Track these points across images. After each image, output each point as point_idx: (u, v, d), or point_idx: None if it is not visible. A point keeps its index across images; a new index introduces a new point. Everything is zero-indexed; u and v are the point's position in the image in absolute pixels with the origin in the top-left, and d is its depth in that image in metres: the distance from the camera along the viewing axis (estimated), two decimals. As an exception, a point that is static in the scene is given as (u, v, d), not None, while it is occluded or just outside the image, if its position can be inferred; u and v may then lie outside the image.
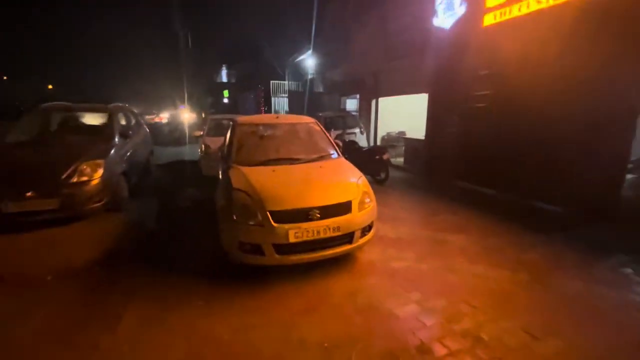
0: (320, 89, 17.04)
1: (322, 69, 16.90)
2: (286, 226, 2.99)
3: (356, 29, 11.92)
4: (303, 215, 3.03)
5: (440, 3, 6.59)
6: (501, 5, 5.34)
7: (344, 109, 14.20)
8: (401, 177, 8.19)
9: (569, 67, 4.67)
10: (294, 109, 17.75)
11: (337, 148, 4.50)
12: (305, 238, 3.01)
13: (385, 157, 7.37)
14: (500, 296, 2.96)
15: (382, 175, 7.44)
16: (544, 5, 4.78)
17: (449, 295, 2.95)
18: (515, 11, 5.17)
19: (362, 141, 9.90)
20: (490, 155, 6.08)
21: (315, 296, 2.97)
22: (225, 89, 34.06)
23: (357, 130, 10.32)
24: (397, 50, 8.66)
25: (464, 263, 3.56)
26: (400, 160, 9.63)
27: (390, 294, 3.00)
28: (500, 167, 5.90)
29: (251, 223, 3.02)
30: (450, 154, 7.09)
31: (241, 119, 4.64)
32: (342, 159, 4.23)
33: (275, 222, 2.99)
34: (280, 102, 21.77)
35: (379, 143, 11.22)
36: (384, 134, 11.60)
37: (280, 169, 3.66)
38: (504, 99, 5.72)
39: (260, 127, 4.35)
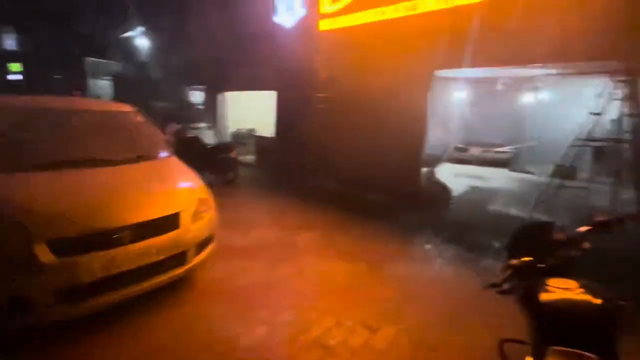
0: (160, 76, 14.55)
1: (159, 52, 14.43)
2: (77, 259, 2.05)
3: (198, 6, 10.63)
4: (105, 239, 2.16)
5: (280, 1, 6.57)
6: (333, 14, 5.76)
7: (188, 101, 12.63)
8: (252, 175, 7.87)
9: (385, 77, 5.49)
10: (121, 96, 14.45)
11: (168, 145, 3.65)
12: (111, 272, 2.16)
13: (233, 155, 6.84)
14: (344, 292, 3.03)
15: (231, 175, 6.88)
16: (368, 20, 5.42)
17: (298, 304, 2.79)
18: (343, 22, 5.68)
19: (209, 138, 8.96)
20: (332, 153, 6.56)
21: (138, 347, 2.19)
22: (13, 60, 24.35)
23: (202, 124, 9.27)
24: (243, 42, 8.21)
25: (311, 264, 3.54)
26: (251, 158, 9.30)
27: (236, 317, 2.57)
28: (341, 164, 6.46)
29: (11, 263, 1.92)
30: (298, 152, 7.28)
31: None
32: (174, 159, 3.43)
33: (57, 254, 2.00)
34: (103, 87, 17.42)
35: (227, 139, 10.52)
36: (234, 130, 10.97)
37: (69, 175, 2.55)
38: (340, 102, 6.26)
39: (34, 113, 2.96)
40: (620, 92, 6.11)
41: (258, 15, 7.45)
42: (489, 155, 12.46)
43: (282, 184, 7.13)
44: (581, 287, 1.18)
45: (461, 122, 12.68)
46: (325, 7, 5.79)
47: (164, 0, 12.80)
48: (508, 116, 12.66)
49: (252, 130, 10.88)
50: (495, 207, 6.34)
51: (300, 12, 6.29)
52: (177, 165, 3.29)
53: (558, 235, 1.43)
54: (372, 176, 6.02)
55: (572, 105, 10.76)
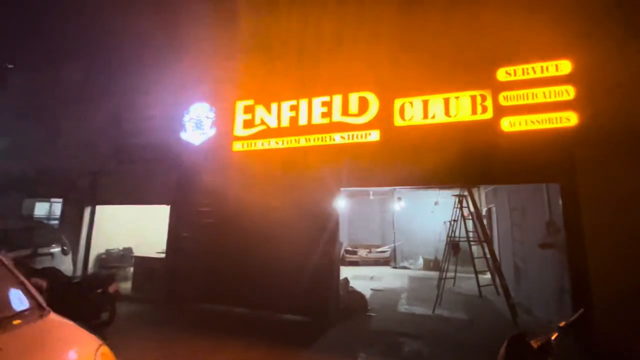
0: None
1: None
2: None
3: (67, 110, 9.31)
4: None
5: (188, 121, 6.63)
6: (246, 137, 6.13)
7: (31, 217, 9.74)
8: (132, 311, 6.10)
9: (293, 194, 5.77)
10: None
11: (36, 294, 2.54)
12: None
13: (112, 289, 5.29)
14: None
15: (105, 317, 5.16)
16: (277, 146, 5.95)
17: None
18: (255, 145, 6.08)
19: (65, 264, 6.80)
20: (237, 273, 5.91)
21: None
22: None
23: (56, 249, 7.08)
24: (132, 153, 7.44)
25: None
26: (127, 286, 7.38)
27: None
28: (249, 284, 5.84)
29: None
30: (192, 274, 6.25)
31: None
32: (52, 317, 2.35)
33: None
34: None
35: (91, 264, 8.22)
36: (102, 251, 8.78)
37: None
38: (247, 219, 6.02)
39: None
40: (459, 204, 8.38)
41: (155, 131, 7.15)
42: (373, 255, 13.97)
43: (175, 314, 5.76)
44: None
45: (345, 228, 14.11)
46: (238, 130, 6.15)
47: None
48: (380, 221, 15.07)
49: (128, 249, 8.98)
50: (404, 308, 6.80)
51: (210, 132, 6.44)
52: (60, 329, 2.23)
53: (535, 343, 1.63)
54: (285, 295, 5.64)
55: (425, 211, 13.95)
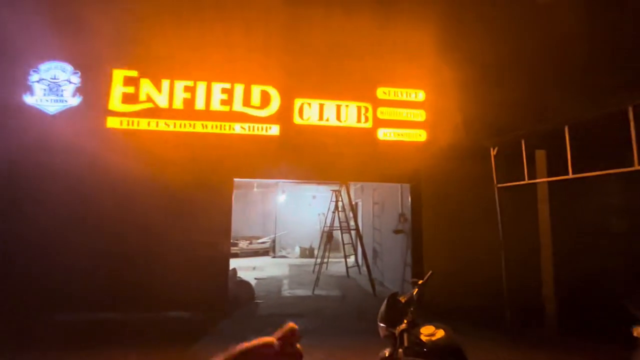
0: None
1: None
2: None
3: None
4: None
5: (38, 81, 5.12)
6: (124, 114, 5.26)
7: None
8: None
9: (181, 183, 5.35)
10: None
11: None
12: None
13: None
14: None
15: None
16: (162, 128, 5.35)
17: None
18: (137, 124, 5.32)
19: None
20: (99, 273, 4.99)
21: None
22: None
23: None
24: None
25: None
26: None
27: None
28: (118, 286, 5.05)
29: None
30: (38, 277, 4.95)
31: None
32: None
33: None
34: None
35: None
36: None
37: None
38: (123, 207, 5.23)
39: None
40: (335, 197, 9.64)
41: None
42: (254, 246, 14.23)
43: (13, 332, 4.47)
44: (437, 329, 1.89)
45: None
46: (115, 104, 5.19)
47: None
48: (262, 212, 15.41)
49: None
50: (287, 292, 7.36)
51: (72, 100, 5.15)
52: None
53: (403, 298, 2.08)
54: (172, 293, 5.21)
55: (304, 204, 15.11)
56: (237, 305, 5.95)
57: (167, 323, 5.04)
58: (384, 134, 5.68)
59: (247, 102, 5.44)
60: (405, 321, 1.92)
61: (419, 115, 5.76)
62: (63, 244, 4.99)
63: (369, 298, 6.81)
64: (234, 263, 10.58)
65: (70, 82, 5.22)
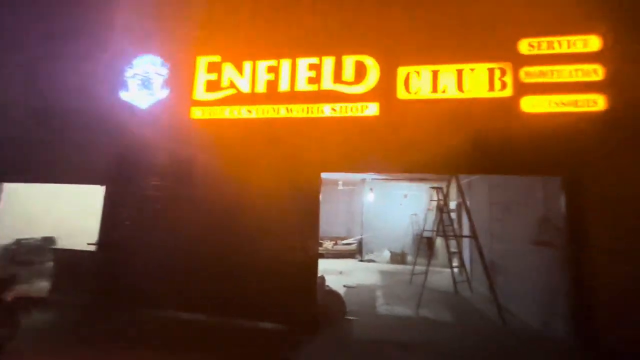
0: None
1: None
2: None
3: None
4: None
5: (132, 77, 5.14)
6: (208, 103, 4.85)
7: None
8: (48, 322, 4.64)
9: (268, 177, 4.69)
10: None
11: None
12: None
13: (10, 296, 3.87)
14: None
15: (3, 333, 3.74)
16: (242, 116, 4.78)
17: None
18: (220, 113, 4.85)
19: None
20: (186, 271, 4.71)
21: None
22: None
23: None
24: (53, 117, 5.70)
25: None
26: (45, 286, 5.78)
27: None
28: (205, 284, 4.69)
29: None
30: (133, 271, 4.93)
31: None
32: None
33: None
34: None
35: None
36: (11, 241, 6.92)
37: None
38: (207, 203, 4.84)
39: None
40: (436, 197, 8.02)
41: (85, 86, 5.51)
42: (339, 247, 13.40)
43: (108, 325, 4.44)
44: None
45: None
46: (199, 93, 4.85)
47: None
48: (348, 211, 14.49)
49: (49, 239, 7.22)
50: (384, 308, 6.16)
51: (161, 93, 5.04)
52: None
53: None
54: (258, 298, 4.63)
55: (394, 204, 13.62)
56: (326, 320, 5.04)
57: (255, 333, 4.44)
58: (532, 104, 3.95)
59: (338, 77, 4.45)
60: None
61: (593, 72, 3.83)
62: (156, 243, 4.86)
63: (496, 330, 5.09)
64: (319, 265, 9.97)
65: (159, 75, 5.07)
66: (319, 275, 5.74)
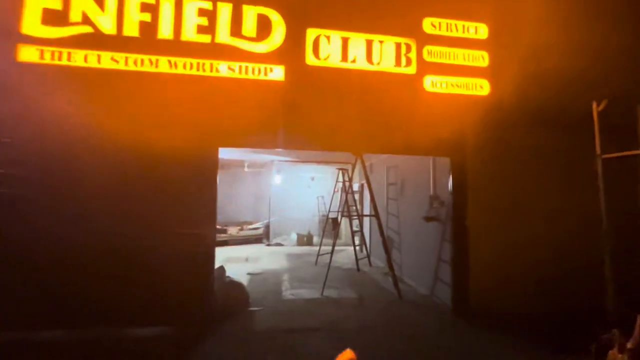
0: None
1: None
2: None
3: None
4: None
5: None
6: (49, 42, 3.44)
7: None
8: None
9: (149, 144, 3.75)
10: None
11: None
12: None
13: None
14: None
15: None
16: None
17: None
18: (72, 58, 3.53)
19: None
20: (33, 276, 3.43)
21: None
22: None
23: None
24: None
25: None
26: None
27: None
28: (63, 293, 3.50)
29: None
30: None
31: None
32: None
33: None
34: None
35: None
36: None
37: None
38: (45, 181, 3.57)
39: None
40: (342, 178, 8.17)
41: None
42: (245, 232, 12.71)
43: None
44: None
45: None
46: (33, 26, 3.37)
47: None
48: (254, 195, 13.76)
49: None
50: (290, 293, 5.88)
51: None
52: None
53: None
54: (138, 301, 3.68)
55: (302, 186, 13.50)
56: (226, 315, 4.44)
57: (133, 343, 3.49)
58: (433, 83, 4.05)
59: (236, 30, 3.69)
60: None
61: (481, 58, 4.13)
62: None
63: (395, 303, 5.38)
64: (222, 252, 9.05)
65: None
66: (218, 265, 5.03)
